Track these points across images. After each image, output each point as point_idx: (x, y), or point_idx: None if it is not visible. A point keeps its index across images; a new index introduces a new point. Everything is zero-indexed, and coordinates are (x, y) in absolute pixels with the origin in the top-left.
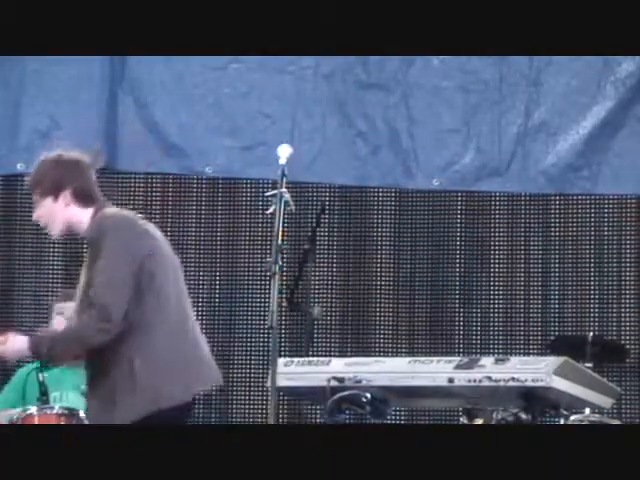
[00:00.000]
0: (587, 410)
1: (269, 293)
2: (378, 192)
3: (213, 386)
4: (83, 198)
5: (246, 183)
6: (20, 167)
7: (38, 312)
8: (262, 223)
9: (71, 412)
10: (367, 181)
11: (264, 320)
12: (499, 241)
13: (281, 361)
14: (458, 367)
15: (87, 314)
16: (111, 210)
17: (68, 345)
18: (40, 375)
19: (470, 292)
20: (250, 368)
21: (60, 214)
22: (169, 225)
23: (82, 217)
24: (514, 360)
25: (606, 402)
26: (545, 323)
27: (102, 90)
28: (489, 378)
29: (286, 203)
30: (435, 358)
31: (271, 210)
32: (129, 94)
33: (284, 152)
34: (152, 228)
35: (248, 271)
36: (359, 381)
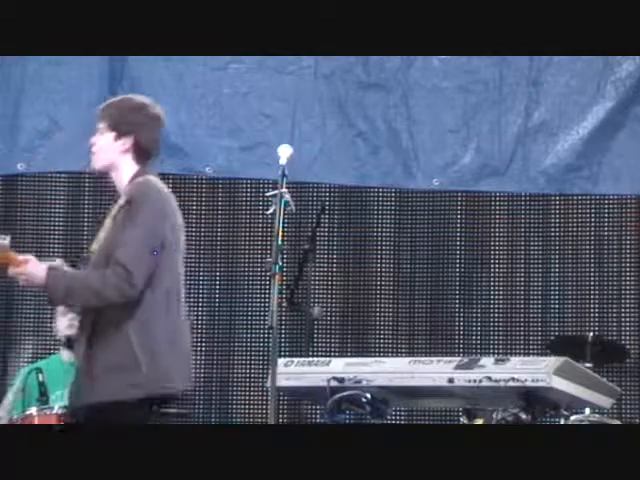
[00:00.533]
0: (587, 410)
1: (269, 293)
2: (378, 192)
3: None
4: (140, 154)
5: (246, 183)
6: (20, 167)
7: (39, 312)
8: (262, 223)
9: None
10: (367, 181)
11: (264, 320)
12: (499, 241)
13: (281, 361)
14: (458, 367)
15: (111, 270)
16: (155, 179)
17: (84, 293)
18: (40, 375)
19: (470, 292)
20: (250, 368)
21: (113, 155)
22: None
23: (127, 170)
24: (514, 360)
25: (606, 402)
26: (545, 323)
27: (102, 90)
28: (489, 378)
29: (286, 203)
30: (435, 358)
31: (271, 210)
32: (129, 94)
33: (284, 152)
34: (180, 214)
35: (248, 271)
36: (359, 381)
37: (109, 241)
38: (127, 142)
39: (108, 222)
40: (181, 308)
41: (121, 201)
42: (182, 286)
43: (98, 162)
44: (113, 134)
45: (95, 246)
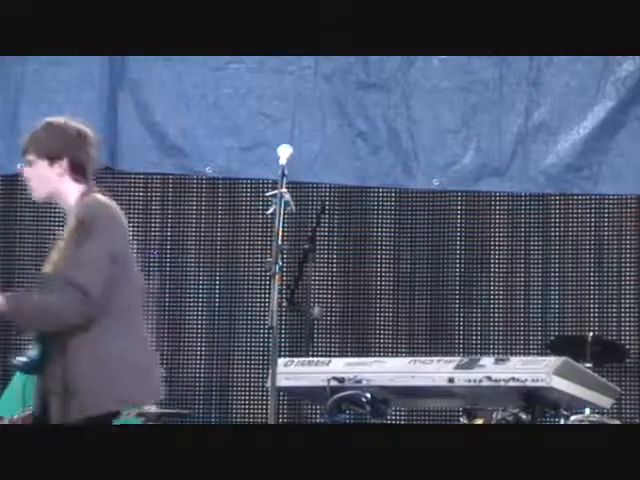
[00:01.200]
0: (587, 410)
1: (269, 293)
2: (378, 192)
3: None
4: (77, 173)
5: (246, 183)
6: (20, 167)
7: None
8: (262, 223)
9: None
10: (367, 181)
11: (264, 320)
12: (499, 241)
13: (281, 361)
14: (458, 367)
15: (68, 293)
16: (102, 197)
17: (47, 317)
18: None
19: (470, 292)
20: (250, 368)
21: (51, 181)
22: (169, 225)
23: (71, 191)
24: (514, 360)
25: (606, 402)
26: (545, 323)
27: (102, 90)
28: (489, 378)
29: (286, 203)
30: (435, 358)
31: (271, 210)
32: (129, 94)
33: (284, 152)
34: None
35: (248, 271)
36: (359, 381)
37: (65, 263)
38: (62, 165)
39: (61, 244)
40: (143, 322)
41: (72, 222)
42: (143, 299)
43: (40, 194)
44: (46, 162)
45: (48, 268)
